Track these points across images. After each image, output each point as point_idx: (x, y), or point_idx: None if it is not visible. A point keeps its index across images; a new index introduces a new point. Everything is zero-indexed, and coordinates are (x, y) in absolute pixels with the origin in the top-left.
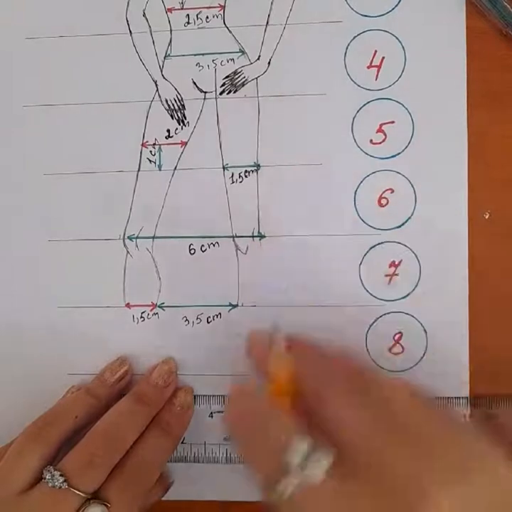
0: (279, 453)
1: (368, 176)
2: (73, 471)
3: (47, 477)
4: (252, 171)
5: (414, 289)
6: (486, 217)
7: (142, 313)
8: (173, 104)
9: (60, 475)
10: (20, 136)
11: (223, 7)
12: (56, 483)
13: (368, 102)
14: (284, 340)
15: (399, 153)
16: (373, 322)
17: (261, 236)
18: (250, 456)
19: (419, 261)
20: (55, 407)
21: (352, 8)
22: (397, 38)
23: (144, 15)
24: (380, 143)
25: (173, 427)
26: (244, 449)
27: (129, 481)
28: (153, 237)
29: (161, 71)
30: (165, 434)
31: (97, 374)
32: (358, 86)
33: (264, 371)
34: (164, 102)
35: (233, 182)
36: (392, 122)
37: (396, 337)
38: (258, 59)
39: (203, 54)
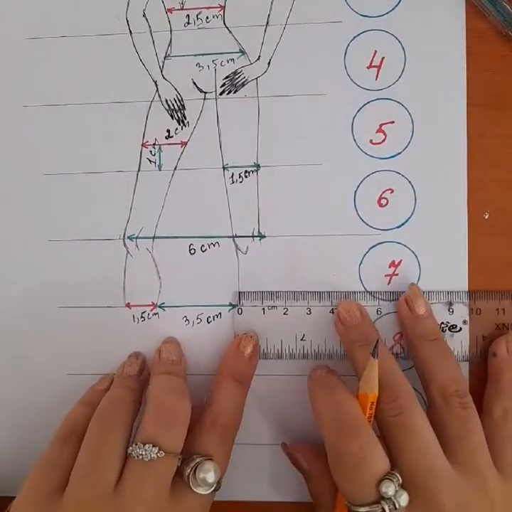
0: (374, 480)
1: (368, 176)
2: (160, 436)
3: (141, 453)
4: (252, 171)
5: None
6: (486, 217)
7: (142, 313)
8: (173, 104)
9: (153, 446)
10: (20, 136)
11: (223, 7)
12: (152, 455)
13: (368, 102)
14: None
15: (399, 154)
16: (374, 322)
17: (261, 236)
18: (340, 467)
19: (419, 261)
20: (110, 397)
21: (352, 9)
22: (397, 38)
23: (144, 15)
24: (379, 143)
25: (246, 376)
26: (334, 458)
27: (224, 434)
28: (153, 237)
29: (161, 71)
30: (240, 384)
31: (114, 373)
32: (358, 86)
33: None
34: (164, 102)
35: (233, 182)
36: (392, 122)
37: (396, 337)
38: (258, 59)
39: (203, 54)
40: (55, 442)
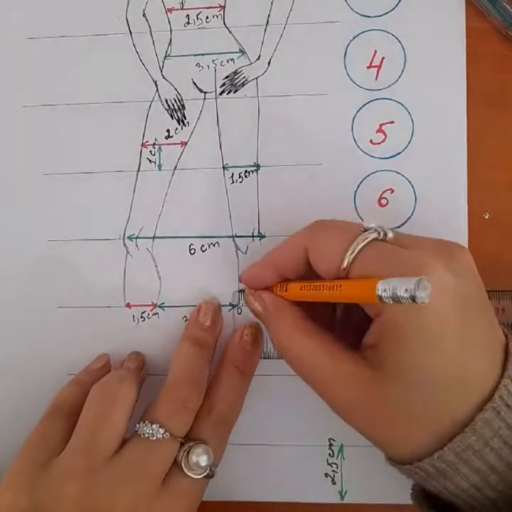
0: None
1: (368, 175)
2: (169, 419)
3: (148, 432)
4: (252, 171)
5: None
6: (486, 217)
7: (142, 313)
8: (173, 104)
9: (160, 427)
10: (20, 136)
11: (223, 7)
12: (158, 436)
13: (368, 102)
14: None
15: (399, 153)
16: None
17: (261, 236)
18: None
19: None
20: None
21: (352, 8)
22: (397, 38)
23: (144, 15)
24: (380, 143)
25: (247, 365)
26: None
27: (220, 421)
28: (153, 237)
29: (161, 71)
30: (240, 373)
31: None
32: (358, 86)
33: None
34: (164, 102)
35: (233, 182)
36: (392, 122)
37: None
38: (258, 59)
39: (203, 54)
40: (44, 419)
